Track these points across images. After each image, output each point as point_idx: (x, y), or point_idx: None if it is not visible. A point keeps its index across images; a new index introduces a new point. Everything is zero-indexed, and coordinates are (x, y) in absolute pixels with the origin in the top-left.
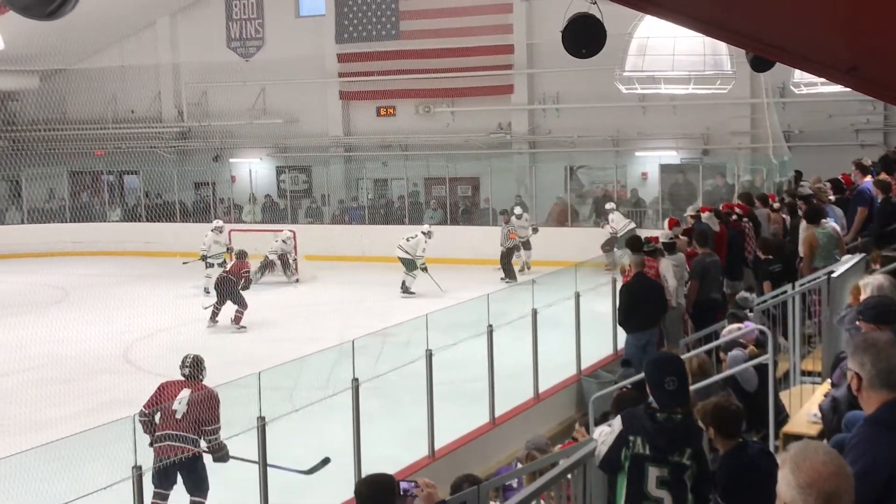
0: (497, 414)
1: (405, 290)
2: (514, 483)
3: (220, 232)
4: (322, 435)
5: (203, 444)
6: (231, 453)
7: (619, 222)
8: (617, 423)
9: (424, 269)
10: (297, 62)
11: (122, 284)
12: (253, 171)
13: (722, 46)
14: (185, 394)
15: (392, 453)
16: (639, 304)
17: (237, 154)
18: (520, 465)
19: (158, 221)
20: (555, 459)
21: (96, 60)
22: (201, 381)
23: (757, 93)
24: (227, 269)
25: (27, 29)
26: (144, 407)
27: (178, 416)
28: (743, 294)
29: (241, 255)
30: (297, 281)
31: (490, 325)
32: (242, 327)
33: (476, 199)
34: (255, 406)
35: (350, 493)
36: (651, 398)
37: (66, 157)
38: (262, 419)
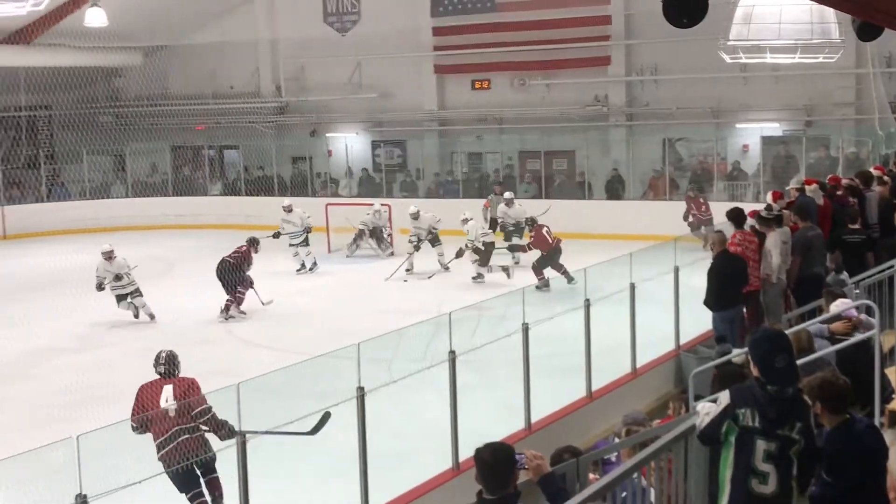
0: (594, 388)
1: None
2: (613, 457)
3: (289, 211)
4: (419, 406)
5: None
6: (324, 422)
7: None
8: (724, 396)
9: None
10: (392, 36)
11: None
12: (349, 145)
13: (829, 14)
14: (168, 391)
15: (488, 426)
16: (726, 283)
17: (333, 128)
18: (617, 440)
19: (257, 195)
20: (655, 434)
21: (197, 36)
22: (177, 376)
23: (862, 63)
24: (229, 253)
25: (130, 6)
26: (133, 417)
27: (173, 413)
28: (836, 276)
29: (251, 243)
30: (392, 254)
31: (587, 300)
32: (231, 316)
33: (572, 173)
34: (355, 377)
35: (446, 465)
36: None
37: (168, 132)
38: (361, 389)
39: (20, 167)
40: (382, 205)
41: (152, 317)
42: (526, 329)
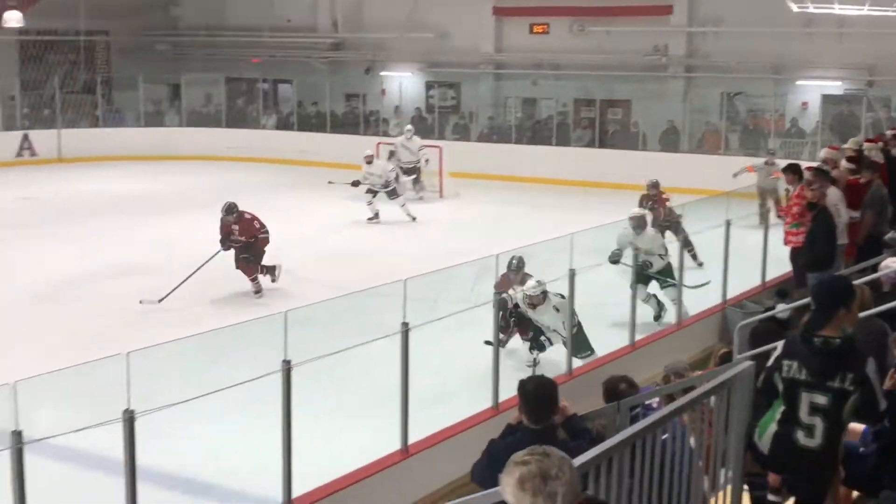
0: (637, 338)
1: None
2: (654, 403)
3: (370, 162)
4: (461, 346)
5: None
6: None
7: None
8: (780, 346)
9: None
10: None
11: (275, 190)
12: (403, 85)
13: None
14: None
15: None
16: (830, 241)
17: (388, 67)
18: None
19: (310, 131)
20: (694, 383)
21: None
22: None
23: None
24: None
25: None
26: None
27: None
28: (892, 234)
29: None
30: (439, 197)
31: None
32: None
33: (626, 122)
34: (400, 313)
35: (486, 404)
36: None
37: (223, 63)
38: (405, 325)
39: (77, 91)
40: (433, 147)
41: (413, 218)
42: (572, 275)
